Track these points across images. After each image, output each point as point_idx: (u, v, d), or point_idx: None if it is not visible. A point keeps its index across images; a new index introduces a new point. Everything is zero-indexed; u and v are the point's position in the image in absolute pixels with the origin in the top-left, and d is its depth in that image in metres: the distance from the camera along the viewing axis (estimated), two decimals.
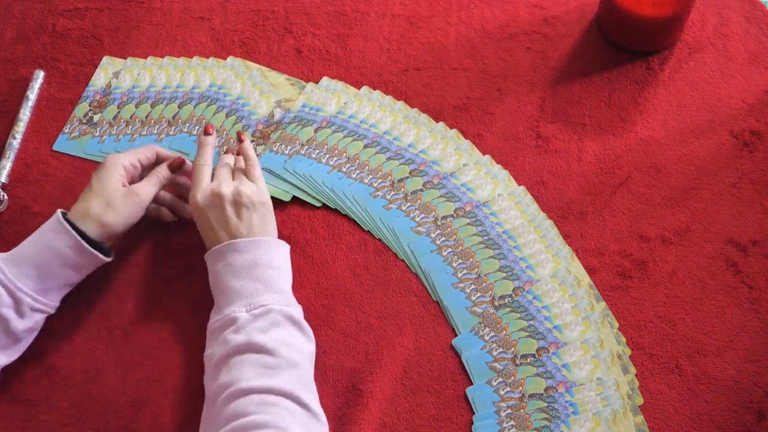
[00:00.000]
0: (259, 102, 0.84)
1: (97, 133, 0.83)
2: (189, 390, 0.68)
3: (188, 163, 0.74)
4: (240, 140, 0.75)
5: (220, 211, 0.67)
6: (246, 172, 0.72)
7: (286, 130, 0.82)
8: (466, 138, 0.81)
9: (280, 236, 0.76)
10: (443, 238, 0.75)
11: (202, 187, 0.69)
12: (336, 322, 0.71)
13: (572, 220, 0.75)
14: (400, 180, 0.78)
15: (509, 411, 0.66)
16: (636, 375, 0.67)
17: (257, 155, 0.80)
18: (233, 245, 0.66)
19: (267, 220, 0.69)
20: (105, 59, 0.89)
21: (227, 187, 0.68)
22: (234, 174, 0.72)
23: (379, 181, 0.78)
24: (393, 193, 0.78)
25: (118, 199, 0.68)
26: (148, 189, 0.70)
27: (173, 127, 0.83)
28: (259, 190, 0.70)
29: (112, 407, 0.68)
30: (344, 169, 0.79)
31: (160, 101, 0.85)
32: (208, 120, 0.83)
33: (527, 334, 0.69)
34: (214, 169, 0.72)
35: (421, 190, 0.78)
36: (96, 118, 0.85)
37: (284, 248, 0.69)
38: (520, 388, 0.67)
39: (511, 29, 0.88)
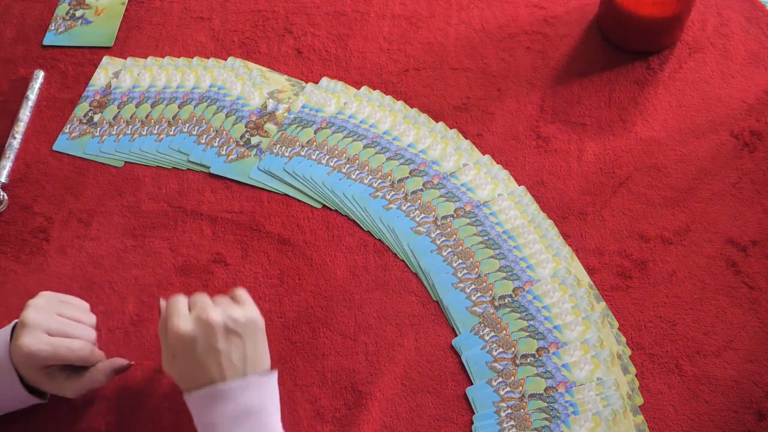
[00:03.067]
0: (252, 93, 0.85)
1: (98, 133, 0.83)
2: None
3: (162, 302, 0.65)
4: None
5: (211, 343, 0.58)
6: (232, 296, 0.64)
7: (286, 131, 0.82)
8: (466, 138, 0.81)
9: (281, 239, 0.76)
10: (443, 238, 0.75)
11: (184, 315, 0.60)
12: (335, 323, 0.71)
13: (572, 220, 0.75)
14: (400, 180, 0.78)
15: (509, 411, 0.66)
16: (636, 375, 0.67)
17: (252, 146, 0.80)
18: (223, 393, 0.57)
19: (260, 347, 0.61)
20: (105, 59, 0.89)
21: (216, 313, 0.59)
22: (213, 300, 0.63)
23: (379, 181, 0.78)
24: (393, 193, 0.78)
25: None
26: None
27: (173, 128, 0.83)
28: (252, 314, 0.61)
29: (113, 407, 0.68)
30: (344, 170, 0.79)
31: (161, 101, 0.85)
32: (209, 120, 0.83)
33: (527, 334, 0.69)
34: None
35: (421, 190, 0.78)
36: (96, 118, 0.85)
37: (274, 379, 0.61)
38: (520, 388, 0.67)
39: (511, 29, 0.88)
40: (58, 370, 0.63)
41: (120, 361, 0.65)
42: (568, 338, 0.68)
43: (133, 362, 0.66)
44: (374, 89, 0.85)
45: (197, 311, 0.60)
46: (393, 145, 0.80)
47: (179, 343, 0.58)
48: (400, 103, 0.84)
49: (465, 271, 0.73)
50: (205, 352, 0.58)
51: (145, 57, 0.89)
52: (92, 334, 0.65)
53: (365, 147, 0.80)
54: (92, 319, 0.67)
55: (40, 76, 0.88)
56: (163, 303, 0.64)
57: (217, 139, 0.82)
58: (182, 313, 0.60)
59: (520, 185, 0.78)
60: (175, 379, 0.60)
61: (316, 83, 0.86)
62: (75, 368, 0.64)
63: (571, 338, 0.68)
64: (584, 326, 0.69)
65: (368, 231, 0.76)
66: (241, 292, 0.64)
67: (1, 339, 0.62)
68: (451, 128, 0.82)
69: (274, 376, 0.61)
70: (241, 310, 0.61)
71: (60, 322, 0.63)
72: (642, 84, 0.83)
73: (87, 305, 0.68)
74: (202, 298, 0.62)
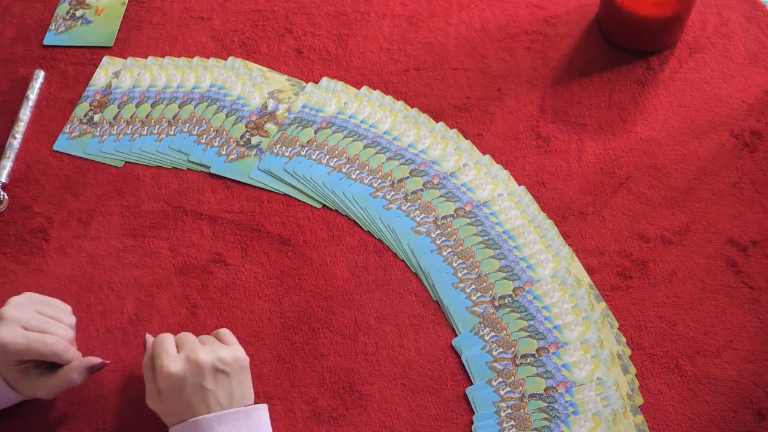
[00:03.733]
0: (252, 93, 0.85)
1: (98, 133, 0.83)
2: None
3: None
4: None
5: (199, 382, 0.59)
6: (217, 336, 0.65)
7: (286, 131, 0.82)
8: (466, 138, 0.81)
9: (281, 239, 0.76)
10: (443, 238, 0.75)
11: (173, 355, 0.61)
12: (335, 323, 0.71)
13: (572, 220, 0.75)
14: (400, 180, 0.78)
15: (509, 411, 0.66)
16: (636, 375, 0.67)
17: (252, 146, 0.79)
18: (205, 424, 0.58)
19: (245, 385, 0.62)
20: (105, 59, 0.89)
21: (205, 353, 0.60)
22: (200, 340, 0.64)
23: (379, 181, 0.78)
24: (393, 193, 0.78)
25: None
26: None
27: (173, 127, 0.83)
28: (238, 354, 0.62)
29: (111, 407, 0.68)
30: (344, 170, 0.79)
31: (161, 101, 0.85)
32: (209, 120, 0.83)
33: (527, 334, 0.69)
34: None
35: (421, 190, 0.78)
36: (96, 117, 0.85)
37: (261, 413, 0.62)
38: (520, 388, 0.67)
39: (511, 29, 0.88)
40: (32, 367, 0.63)
41: (94, 360, 0.65)
42: (568, 338, 0.68)
43: (107, 361, 0.66)
44: (374, 89, 0.85)
45: (186, 351, 0.61)
46: (393, 145, 0.80)
47: (168, 382, 0.59)
48: (400, 103, 0.84)
49: (465, 271, 0.73)
50: (193, 392, 0.59)
51: (146, 57, 0.89)
52: (69, 333, 0.65)
53: (365, 147, 0.80)
54: (72, 319, 0.67)
55: (40, 76, 0.88)
56: (149, 339, 0.66)
57: (217, 139, 0.82)
58: (171, 352, 0.61)
59: (520, 185, 0.78)
60: (161, 416, 0.61)
61: (317, 83, 0.86)
62: (49, 367, 0.64)
63: (571, 338, 0.68)
64: (584, 326, 0.69)
65: (368, 231, 0.76)
66: (226, 332, 0.66)
67: None
68: (451, 128, 0.82)
69: (259, 410, 0.62)
70: (229, 349, 0.62)
71: (38, 319, 0.63)
72: (642, 84, 0.83)
73: (69, 308, 0.68)
74: (190, 338, 0.63)
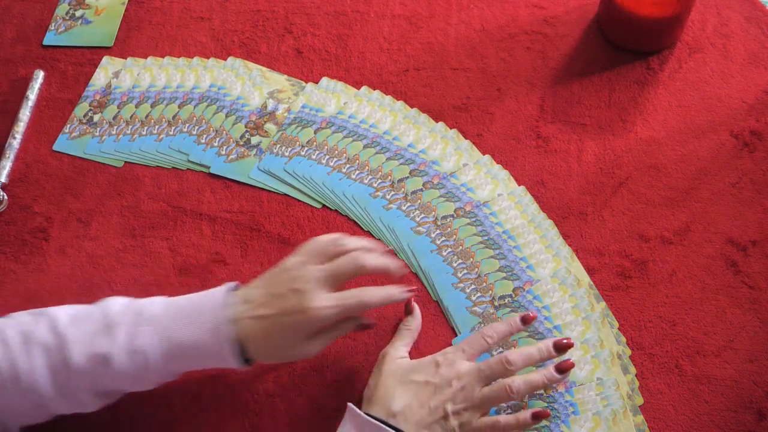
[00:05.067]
0: (252, 93, 0.85)
1: (97, 133, 0.84)
2: (186, 390, 0.68)
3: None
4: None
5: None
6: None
7: (286, 131, 0.82)
8: (466, 138, 0.81)
9: (280, 239, 0.76)
10: (443, 238, 0.75)
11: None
12: None
13: (572, 220, 0.75)
14: (400, 180, 0.78)
15: (509, 411, 0.66)
16: (636, 375, 0.67)
17: (252, 146, 0.80)
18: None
19: None
20: (105, 59, 0.89)
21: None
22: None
23: (379, 181, 0.78)
24: (393, 193, 0.78)
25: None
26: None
27: (173, 127, 0.83)
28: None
29: (110, 407, 0.68)
30: (344, 170, 0.79)
31: (160, 101, 0.85)
32: (209, 120, 0.83)
33: (527, 334, 0.69)
34: None
35: (421, 190, 0.78)
36: (96, 118, 0.85)
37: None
38: None
39: (511, 29, 0.88)
40: (324, 328, 0.60)
41: (367, 320, 0.65)
42: None
43: (374, 322, 0.66)
44: (374, 89, 0.85)
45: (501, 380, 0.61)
46: (393, 145, 0.80)
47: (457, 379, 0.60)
48: (400, 103, 0.84)
49: (465, 271, 0.73)
50: (433, 411, 0.59)
51: (145, 57, 0.89)
52: (359, 243, 0.61)
53: (365, 147, 0.80)
54: (360, 243, 0.62)
55: (40, 76, 0.88)
56: (417, 310, 0.69)
57: (217, 139, 0.82)
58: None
59: (520, 185, 0.78)
60: (374, 395, 0.60)
61: (316, 83, 0.86)
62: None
63: (571, 338, 0.68)
64: (584, 326, 0.69)
65: (368, 231, 0.76)
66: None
67: (215, 300, 0.59)
68: (451, 128, 0.82)
69: None
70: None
71: (332, 269, 0.59)
72: (642, 84, 0.83)
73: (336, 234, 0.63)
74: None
